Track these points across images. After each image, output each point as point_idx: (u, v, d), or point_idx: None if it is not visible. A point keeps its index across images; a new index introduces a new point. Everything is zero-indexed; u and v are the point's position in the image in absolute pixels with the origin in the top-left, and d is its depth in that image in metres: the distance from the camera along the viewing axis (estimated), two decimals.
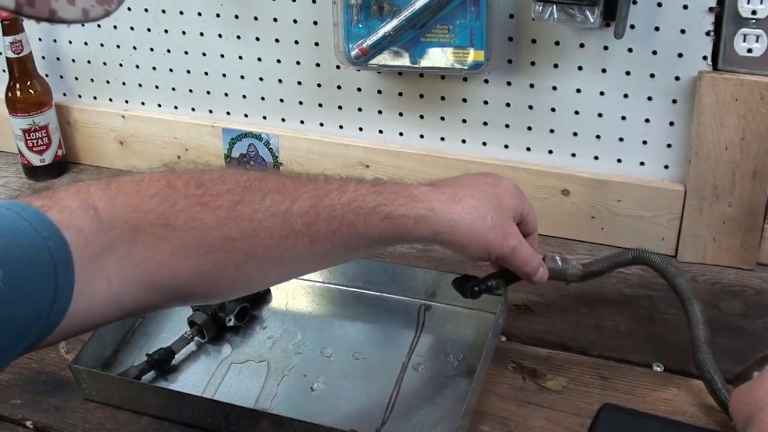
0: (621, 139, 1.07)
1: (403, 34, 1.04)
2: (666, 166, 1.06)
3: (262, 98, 1.23)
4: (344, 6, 1.05)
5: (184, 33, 1.22)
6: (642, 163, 1.07)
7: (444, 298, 1.01)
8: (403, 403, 0.89)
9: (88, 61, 1.31)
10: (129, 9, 1.23)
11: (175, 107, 1.29)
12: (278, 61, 1.18)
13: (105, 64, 1.30)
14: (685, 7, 0.96)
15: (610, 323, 0.97)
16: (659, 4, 0.97)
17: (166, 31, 1.23)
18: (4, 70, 1.32)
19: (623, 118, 1.05)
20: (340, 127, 1.20)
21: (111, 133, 1.33)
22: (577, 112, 1.07)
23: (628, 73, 1.02)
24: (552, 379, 0.90)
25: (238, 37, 1.19)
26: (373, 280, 1.03)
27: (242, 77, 1.22)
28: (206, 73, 1.24)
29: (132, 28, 1.25)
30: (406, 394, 0.90)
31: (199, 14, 1.19)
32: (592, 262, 0.93)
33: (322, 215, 0.75)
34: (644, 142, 1.06)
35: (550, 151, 1.11)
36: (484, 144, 1.14)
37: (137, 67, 1.28)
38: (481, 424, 0.85)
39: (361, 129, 1.19)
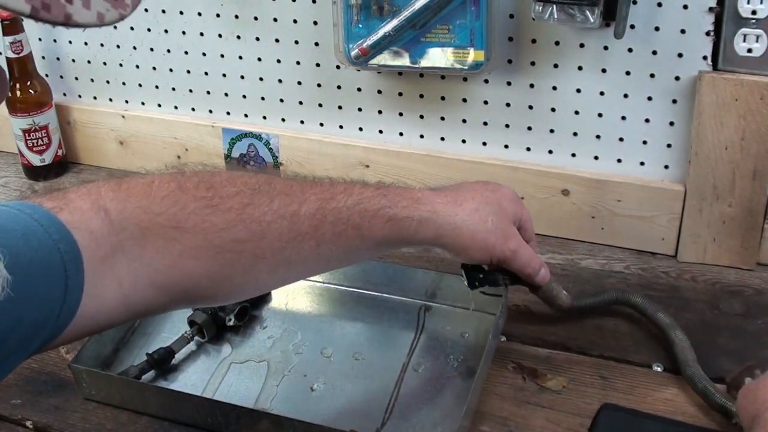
0: (621, 139, 1.07)
1: (403, 34, 1.04)
2: (666, 166, 1.06)
3: (262, 98, 1.22)
4: (344, 6, 1.05)
5: (184, 33, 1.22)
6: (642, 163, 1.07)
7: (444, 299, 1.01)
8: (403, 403, 0.89)
9: (88, 61, 1.31)
10: None
11: (175, 107, 1.29)
12: (278, 61, 1.18)
13: (105, 64, 1.30)
14: (685, 7, 0.96)
15: (610, 323, 0.97)
16: (659, 4, 0.97)
17: (166, 31, 1.23)
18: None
19: (623, 118, 1.05)
20: (340, 127, 1.20)
21: (111, 133, 1.33)
22: (577, 112, 1.07)
23: (628, 73, 1.02)
24: (552, 379, 0.90)
25: (238, 37, 1.19)
26: (373, 280, 1.03)
27: (242, 77, 1.22)
28: (206, 73, 1.24)
29: (132, 28, 1.24)
30: (406, 394, 0.90)
31: (199, 14, 1.19)
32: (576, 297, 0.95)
33: (328, 217, 0.76)
34: (644, 142, 1.06)
35: (550, 151, 1.11)
36: (484, 144, 1.14)
37: (137, 67, 1.28)
38: (481, 424, 0.85)
39: (361, 129, 1.19)
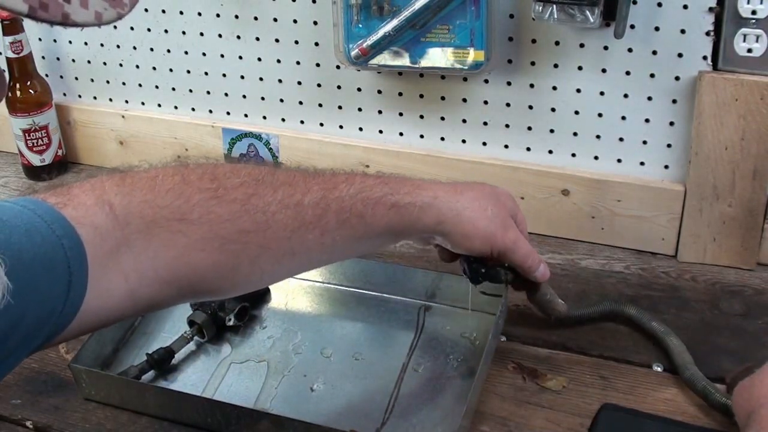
0: (621, 139, 1.07)
1: (403, 34, 1.04)
2: (666, 166, 1.06)
3: (262, 98, 1.22)
4: (344, 6, 1.05)
5: (184, 33, 1.22)
6: (642, 163, 1.07)
7: (444, 299, 1.00)
8: (403, 403, 0.89)
9: (88, 61, 1.31)
10: None
11: (175, 107, 1.29)
12: (278, 61, 1.18)
13: (105, 64, 1.30)
14: (685, 7, 0.96)
15: (610, 323, 0.97)
16: (659, 4, 0.97)
17: (166, 31, 1.23)
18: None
19: (623, 118, 1.05)
20: (340, 127, 1.20)
21: (111, 133, 1.33)
22: (577, 112, 1.07)
23: (628, 73, 1.02)
24: (552, 379, 0.90)
25: (238, 37, 1.19)
26: (373, 280, 1.03)
27: (242, 77, 1.22)
28: (206, 73, 1.24)
29: (132, 28, 1.24)
30: (406, 394, 0.90)
31: (199, 14, 1.19)
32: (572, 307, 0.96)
33: (332, 207, 0.76)
34: (644, 142, 1.06)
35: (550, 151, 1.11)
36: (484, 144, 1.14)
37: (137, 67, 1.28)
38: (481, 424, 0.85)
39: (361, 129, 1.19)
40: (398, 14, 1.03)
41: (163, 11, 1.21)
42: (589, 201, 1.10)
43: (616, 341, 0.95)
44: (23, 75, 1.28)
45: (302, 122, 1.22)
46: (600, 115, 1.06)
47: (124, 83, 1.30)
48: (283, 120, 1.23)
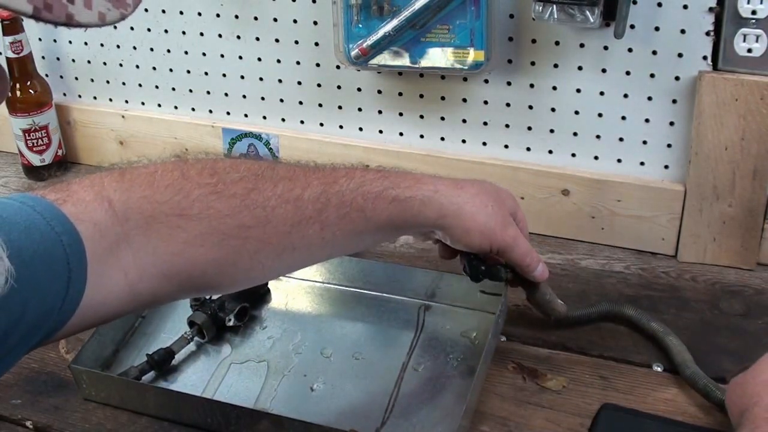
0: (621, 139, 1.07)
1: (403, 34, 1.04)
2: (666, 166, 1.06)
3: (262, 98, 1.22)
4: (344, 6, 1.05)
5: (184, 33, 1.22)
6: (642, 163, 1.07)
7: (444, 298, 1.00)
8: (403, 403, 0.89)
9: (88, 61, 1.31)
10: None
11: (175, 107, 1.29)
12: (278, 61, 1.18)
13: (105, 64, 1.30)
14: (685, 7, 0.96)
15: (609, 323, 0.97)
16: (659, 4, 0.97)
17: (166, 31, 1.23)
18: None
19: (623, 118, 1.05)
20: (340, 127, 1.20)
21: (111, 133, 1.33)
22: (577, 112, 1.07)
23: (628, 73, 1.02)
24: (552, 379, 0.90)
25: (238, 37, 1.19)
26: (373, 280, 1.03)
27: (242, 77, 1.22)
28: (206, 73, 1.24)
29: (132, 28, 1.24)
30: (406, 394, 0.90)
31: (199, 14, 1.19)
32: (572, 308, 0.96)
33: (332, 201, 0.76)
34: (644, 142, 1.06)
35: (550, 151, 1.11)
36: (484, 144, 1.14)
37: (137, 67, 1.28)
38: (481, 424, 0.85)
39: (361, 129, 1.19)
40: (398, 14, 1.03)
41: (163, 11, 1.21)
42: (589, 201, 1.10)
43: (616, 341, 0.95)
44: (23, 75, 1.28)
45: (302, 122, 1.22)
46: (600, 115, 1.06)
47: (124, 83, 1.30)
48: (283, 120, 1.23)
